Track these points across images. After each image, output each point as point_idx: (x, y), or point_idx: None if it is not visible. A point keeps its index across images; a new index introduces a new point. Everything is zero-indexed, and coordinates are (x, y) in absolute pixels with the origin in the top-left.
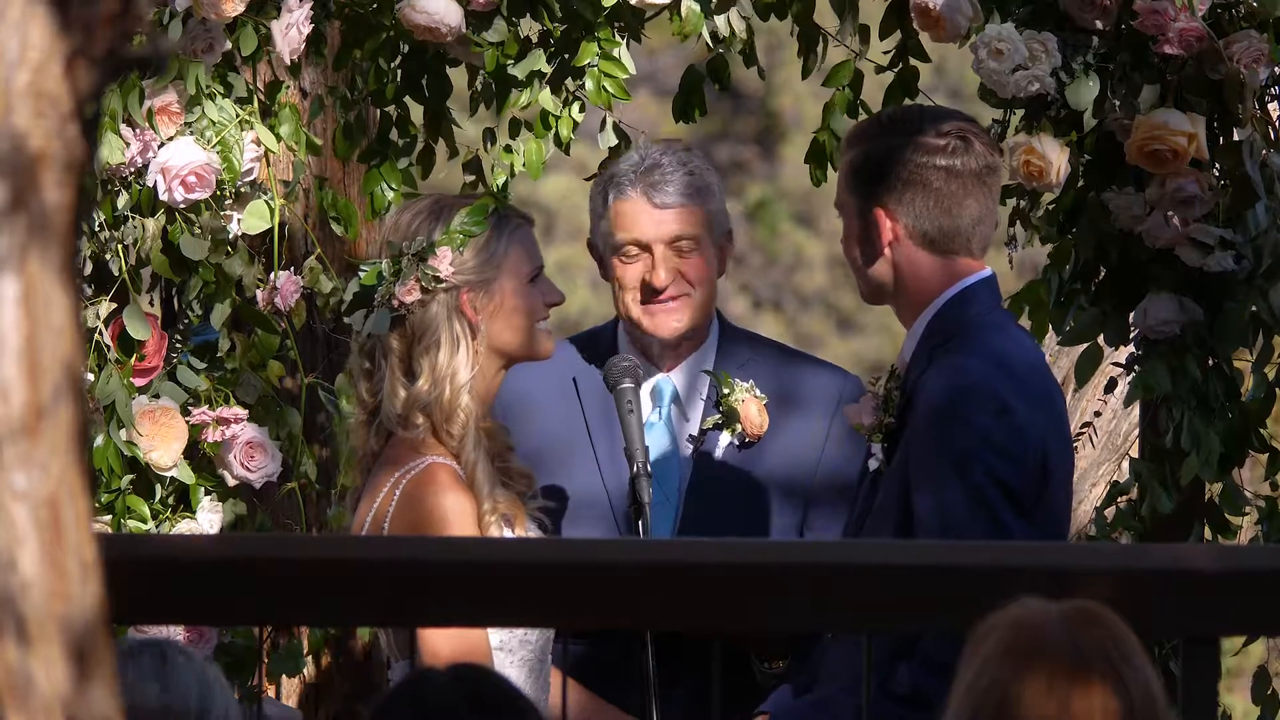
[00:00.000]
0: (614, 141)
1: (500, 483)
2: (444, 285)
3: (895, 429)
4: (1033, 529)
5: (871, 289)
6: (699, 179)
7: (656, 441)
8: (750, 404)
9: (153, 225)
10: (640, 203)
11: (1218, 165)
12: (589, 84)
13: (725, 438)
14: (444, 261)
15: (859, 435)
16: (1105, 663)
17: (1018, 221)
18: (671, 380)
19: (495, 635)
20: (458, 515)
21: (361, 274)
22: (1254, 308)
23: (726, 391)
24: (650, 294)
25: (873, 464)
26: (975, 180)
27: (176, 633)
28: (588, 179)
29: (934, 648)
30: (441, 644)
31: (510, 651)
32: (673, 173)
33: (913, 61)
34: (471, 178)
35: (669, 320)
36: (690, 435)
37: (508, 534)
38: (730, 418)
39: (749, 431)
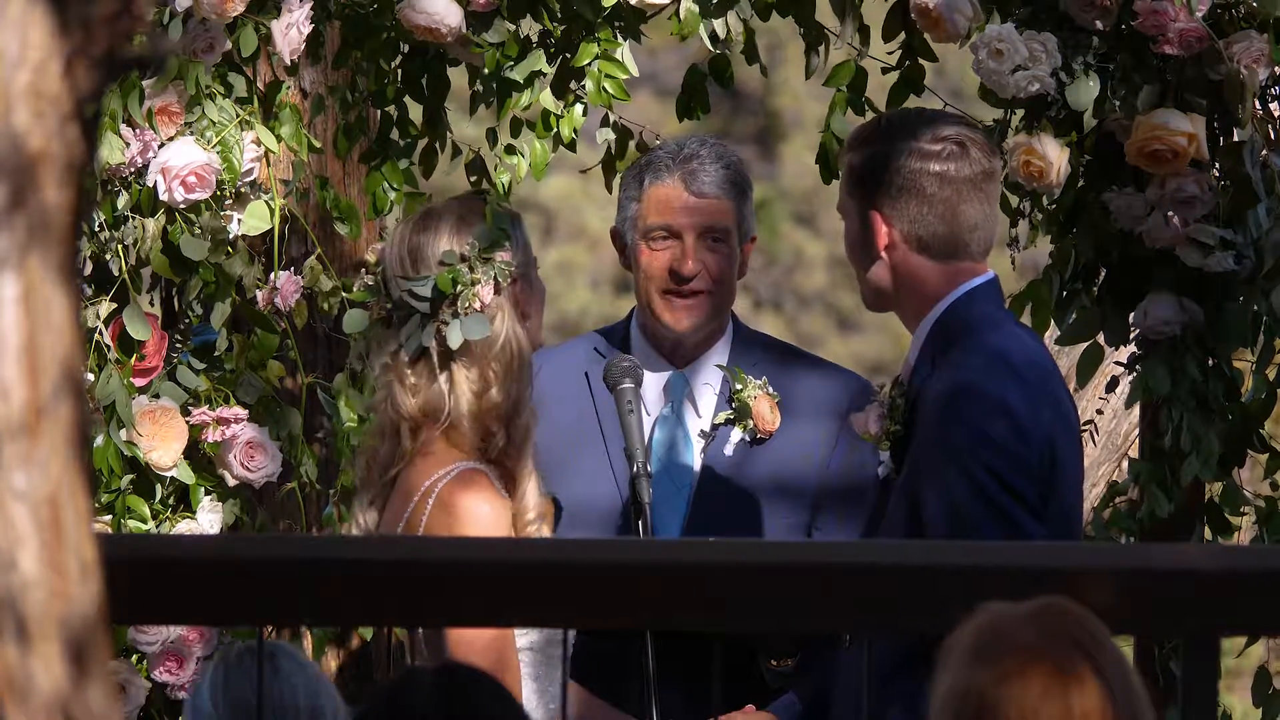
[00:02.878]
0: (612, 136)
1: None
2: (512, 273)
3: (903, 436)
4: (1043, 525)
5: (872, 293)
6: (735, 173)
7: (667, 436)
8: (763, 400)
9: (153, 225)
10: (677, 189)
11: (1218, 165)
12: (589, 84)
13: (736, 433)
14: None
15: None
16: (1085, 657)
17: (1019, 221)
18: (685, 375)
19: None
20: (495, 521)
21: (418, 288)
22: (1256, 308)
23: (739, 387)
24: (676, 281)
25: (882, 471)
26: (971, 186)
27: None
28: (584, 171)
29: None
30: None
31: None
32: (711, 163)
33: (920, 60)
34: (475, 178)
35: (687, 315)
36: (702, 430)
37: (545, 532)
38: (742, 414)
39: (761, 428)
